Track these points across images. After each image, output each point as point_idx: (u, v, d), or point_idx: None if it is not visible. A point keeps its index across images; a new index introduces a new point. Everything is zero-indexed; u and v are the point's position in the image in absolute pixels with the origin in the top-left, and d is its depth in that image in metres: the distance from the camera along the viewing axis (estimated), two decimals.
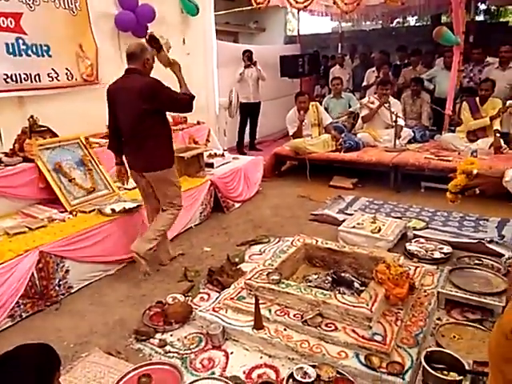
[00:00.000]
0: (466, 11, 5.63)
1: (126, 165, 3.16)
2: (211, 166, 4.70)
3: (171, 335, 2.41)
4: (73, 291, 2.90)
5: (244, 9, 7.58)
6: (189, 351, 2.27)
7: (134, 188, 3.92)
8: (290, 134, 5.55)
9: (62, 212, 3.28)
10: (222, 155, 5.00)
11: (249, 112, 6.84)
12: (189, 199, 3.94)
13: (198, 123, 5.28)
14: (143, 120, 2.82)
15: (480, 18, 9.98)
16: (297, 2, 6.18)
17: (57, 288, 2.79)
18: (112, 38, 4.42)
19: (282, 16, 10.41)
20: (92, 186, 3.62)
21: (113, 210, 3.28)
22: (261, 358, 2.20)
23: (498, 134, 4.71)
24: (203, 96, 5.55)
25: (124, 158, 3.14)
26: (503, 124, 4.86)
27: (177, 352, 2.27)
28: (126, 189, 3.90)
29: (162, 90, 2.85)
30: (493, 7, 10.17)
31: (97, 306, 2.76)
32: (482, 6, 9.78)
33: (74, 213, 3.29)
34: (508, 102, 4.85)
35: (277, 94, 8.04)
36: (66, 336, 2.45)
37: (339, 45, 9.17)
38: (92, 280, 3.03)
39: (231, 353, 2.24)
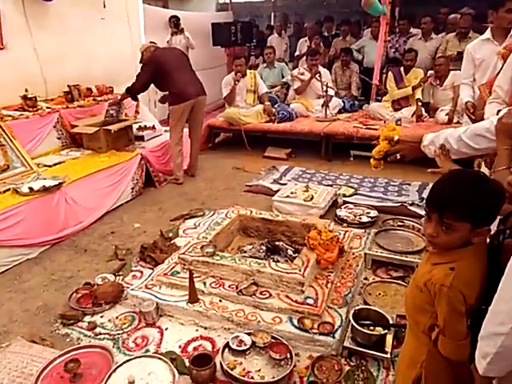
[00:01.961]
0: None
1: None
2: (141, 138, 4.50)
3: (101, 317, 2.31)
4: None
5: None
6: (121, 331, 2.19)
7: (55, 165, 3.67)
8: (224, 95, 5.44)
9: None
10: (153, 128, 4.78)
11: None
12: (117, 174, 3.76)
13: None
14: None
15: None
16: None
17: None
18: (15, 1, 3.95)
19: None
20: (6, 163, 3.30)
21: (31, 189, 3.01)
22: (196, 330, 2.19)
23: (419, 103, 4.96)
24: (130, 65, 5.21)
25: (175, 93, 4.12)
26: (424, 93, 5.12)
27: (108, 333, 2.18)
28: (45, 165, 3.61)
29: None
30: None
31: (17, 293, 2.56)
32: None
33: None
34: (429, 72, 5.10)
35: (209, 63, 7.79)
36: None
37: (272, 14, 9.05)
38: (10, 265, 2.80)
39: (166, 329, 2.20)
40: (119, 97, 4.39)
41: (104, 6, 4.88)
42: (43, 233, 3.00)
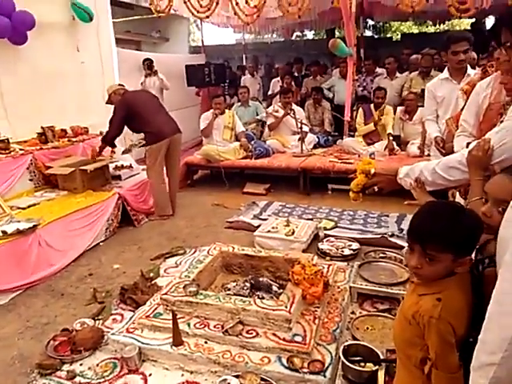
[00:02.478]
0: (356, 26, 6.11)
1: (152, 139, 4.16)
2: (119, 178, 4.45)
3: (81, 364, 2.18)
4: None
5: (144, 17, 7.39)
6: (102, 379, 2.07)
7: (29, 206, 3.57)
8: (201, 128, 5.53)
9: None
10: (130, 167, 4.75)
11: None
12: (94, 215, 3.69)
13: (101, 134, 4.94)
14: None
15: (369, 33, 10.99)
16: (198, 12, 6.16)
17: None
18: None
19: (186, 26, 10.37)
20: None
21: (4, 232, 2.90)
22: (182, 375, 2.09)
23: (391, 138, 5.16)
24: (104, 106, 5.23)
25: (152, 132, 4.16)
26: (395, 128, 5.34)
27: (88, 382, 2.06)
28: (19, 208, 3.50)
29: None
30: (379, 23, 11.26)
31: None
32: (370, 22, 10.78)
33: None
34: (398, 108, 5.34)
35: (183, 103, 7.91)
36: None
37: (243, 56, 9.38)
38: None
39: (149, 375, 2.10)
40: (98, 149, 4.41)
41: (78, 50, 4.95)
42: (16, 278, 2.88)
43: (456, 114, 2.63)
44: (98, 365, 2.17)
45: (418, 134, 5.05)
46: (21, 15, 4.06)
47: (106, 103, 4.33)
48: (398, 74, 6.13)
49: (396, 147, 5.18)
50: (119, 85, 4.47)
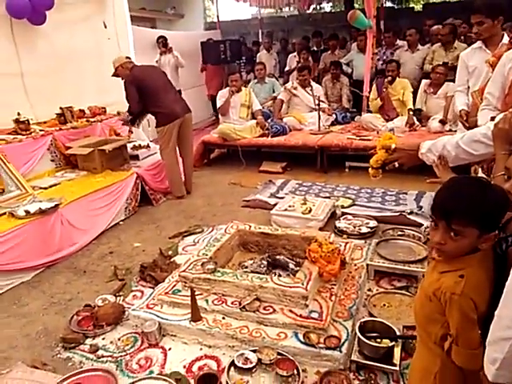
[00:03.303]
0: None
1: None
2: (136, 158, 4.50)
3: (103, 339, 2.26)
4: None
5: None
6: (124, 353, 2.15)
7: (51, 186, 3.65)
8: (218, 106, 5.49)
9: None
10: (148, 146, 4.79)
11: None
12: (113, 194, 3.75)
13: (119, 114, 4.98)
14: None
15: (389, 3, 10.58)
16: None
17: None
18: (4, 25, 3.97)
19: (201, 2, 10.18)
20: (0, 186, 3.27)
21: (27, 212, 2.98)
22: (200, 349, 2.14)
23: (411, 113, 5.02)
24: (121, 85, 5.24)
25: (163, 113, 4.09)
26: (417, 101, 5.19)
27: (110, 356, 2.14)
28: (41, 188, 3.58)
29: None
30: None
31: (16, 318, 2.51)
32: None
33: None
34: (423, 81, 5.16)
35: (199, 81, 7.89)
36: None
37: (259, 31, 9.19)
38: (5, 289, 2.76)
39: (169, 349, 2.16)
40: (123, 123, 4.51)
41: (105, 27, 4.94)
42: (39, 255, 2.96)
43: (482, 87, 2.54)
44: (119, 339, 2.24)
45: (440, 109, 4.91)
46: None
47: (112, 75, 4.20)
48: (419, 47, 5.89)
49: (416, 122, 5.04)
50: (126, 57, 4.24)
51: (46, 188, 3.61)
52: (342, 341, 2.02)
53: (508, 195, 1.17)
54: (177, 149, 4.36)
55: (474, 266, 1.15)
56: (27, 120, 3.92)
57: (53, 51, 4.42)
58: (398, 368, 1.85)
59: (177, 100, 4.26)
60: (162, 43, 6.58)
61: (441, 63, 5.20)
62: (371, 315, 2.25)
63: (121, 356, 2.12)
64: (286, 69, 7.43)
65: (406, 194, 4.07)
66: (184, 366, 2.03)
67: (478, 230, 1.11)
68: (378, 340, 1.95)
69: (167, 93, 4.15)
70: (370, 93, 5.54)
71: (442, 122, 4.80)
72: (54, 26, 4.34)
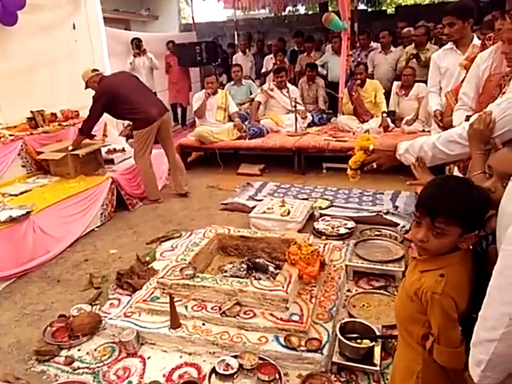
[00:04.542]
0: None
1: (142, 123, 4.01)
2: (112, 162, 4.40)
3: (79, 350, 2.19)
4: None
5: None
6: (101, 364, 2.09)
7: (22, 193, 3.53)
8: (194, 109, 5.44)
9: None
10: (123, 150, 4.70)
11: None
12: (87, 200, 3.66)
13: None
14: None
15: (362, 6, 10.76)
16: None
17: None
18: None
19: (175, 3, 10.09)
20: None
21: None
22: (180, 357, 2.11)
23: (384, 115, 5.11)
24: None
25: (139, 118, 4.01)
26: (390, 103, 5.28)
27: (87, 367, 2.08)
28: (11, 195, 3.46)
29: None
30: None
31: None
32: None
33: None
34: (395, 83, 5.26)
35: None
36: None
37: (235, 33, 9.18)
38: None
39: (148, 357, 2.11)
40: (71, 146, 3.98)
41: (74, 28, 4.82)
42: (11, 265, 2.86)
43: (456, 87, 2.59)
44: (96, 349, 2.18)
45: (413, 110, 5.01)
46: None
47: (85, 89, 4.07)
48: (392, 48, 6.01)
49: (391, 124, 5.13)
50: (93, 70, 4.08)
51: (16, 195, 3.48)
52: (323, 343, 2.02)
53: (489, 194, 1.20)
54: (153, 153, 4.30)
55: (455, 264, 1.17)
56: None
57: (24, 53, 4.28)
58: (378, 368, 1.87)
59: (152, 103, 4.16)
60: (136, 45, 6.51)
61: (410, 64, 5.28)
62: (351, 316, 2.27)
63: (98, 367, 2.07)
64: (263, 70, 7.44)
65: (382, 194, 4.13)
66: (164, 375, 2.00)
67: (461, 229, 1.13)
68: (359, 341, 1.97)
69: (142, 96, 4.07)
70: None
71: (408, 123, 4.90)
72: (25, 28, 4.20)
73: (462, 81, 2.34)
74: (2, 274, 2.81)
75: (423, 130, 4.73)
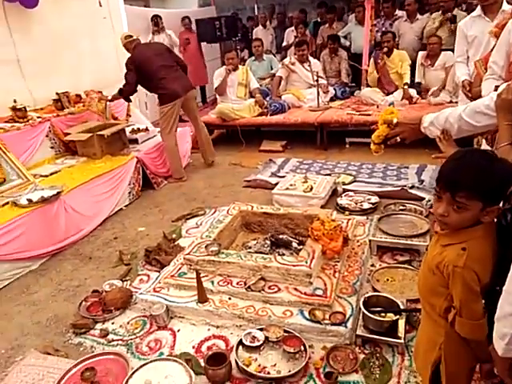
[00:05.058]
0: None
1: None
2: (136, 141, 4.47)
3: (113, 323, 2.30)
4: None
5: None
6: (133, 336, 2.19)
7: (52, 174, 3.65)
8: (215, 86, 5.41)
9: None
10: (146, 130, 4.76)
11: None
12: (115, 180, 3.75)
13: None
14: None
15: None
16: None
17: None
18: None
19: None
20: (1, 176, 3.27)
21: (29, 201, 2.99)
22: (208, 330, 2.19)
23: (405, 87, 4.94)
24: (117, 67, 5.16)
25: (164, 93, 4.16)
26: (417, 74, 5.11)
27: (121, 339, 2.18)
28: (42, 176, 3.58)
29: None
30: None
31: (25, 306, 2.55)
32: None
33: None
34: (420, 53, 5.07)
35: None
36: None
37: (255, 6, 8.98)
38: (13, 279, 2.79)
39: (178, 330, 2.20)
40: (109, 97, 4.41)
41: (100, 5, 4.84)
42: (45, 243, 2.99)
43: (485, 56, 2.49)
44: (128, 323, 2.29)
45: (440, 81, 4.84)
46: None
47: (124, 48, 4.26)
48: (418, 16, 5.76)
49: (416, 95, 4.98)
50: (127, 36, 4.22)
51: (46, 176, 3.60)
52: (347, 316, 2.05)
53: None
54: (178, 131, 4.38)
55: (477, 238, 1.16)
56: (24, 107, 3.89)
57: (48, 34, 4.33)
58: (402, 341, 1.89)
59: (177, 79, 4.22)
60: (155, 22, 6.46)
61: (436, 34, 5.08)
62: (375, 290, 2.28)
63: (131, 339, 2.17)
64: (284, 44, 7.29)
65: (407, 168, 4.06)
66: (193, 347, 2.08)
67: (482, 203, 1.12)
68: (383, 314, 1.99)
69: (168, 73, 4.16)
70: (369, 66, 5.46)
71: (434, 94, 4.75)
72: (47, 9, 4.25)
73: (492, 49, 2.24)
74: (38, 252, 2.94)
75: (451, 101, 4.58)
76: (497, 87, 1.82)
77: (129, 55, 4.16)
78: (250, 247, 2.70)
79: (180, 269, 2.51)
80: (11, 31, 3.99)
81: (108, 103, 4.51)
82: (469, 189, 1.10)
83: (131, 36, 4.25)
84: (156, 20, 6.50)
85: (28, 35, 4.15)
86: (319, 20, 7.41)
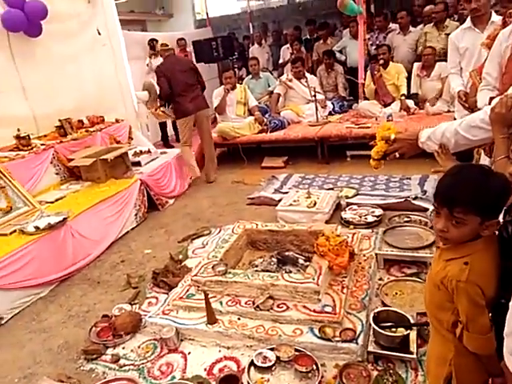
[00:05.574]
0: None
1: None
2: (138, 164, 4.51)
3: (123, 348, 2.31)
4: (4, 322, 2.67)
5: None
6: (145, 360, 2.19)
7: (57, 200, 3.68)
8: (214, 106, 5.49)
9: None
10: (149, 152, 4.81)
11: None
12: (120, 203, 3.78)
13: (117, 121, 5.00)
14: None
15: None
16: None
17: None
18: (1, 40, 3.97)
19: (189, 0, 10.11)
20: (8, 204, 3.30)
21: (36, 228, 3.02)
22: (219, 351, 2.19)
23: (402, 98, 5.02)
24: (118, 91, 5.26)
25: (178, 108, 4.66)
26: (412, 85, 5.18)
27: (132, 364, 2.18)
28: (47, 202, 3.62)
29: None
30: None
31: (36, 333, 2.56)
32: None
33: None
34: (415, 64, 5.15)
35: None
36: (7, 371, 2.26)
37: (250, 24, 9.14)
38: (24, 306, 2.80)
39: (189, 353, 2.20)
40: (158, 103, 4.98)
41: (99, 34, 4.98)
42: (54, 270, 3.01)
43: (480, 66, 2.54)
44: (139, 347, 2.29)
45: (436, 91, 4.90)
46: (32, 4, 4.00)
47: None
48: (411, 29, 5.85)
49: (413, 106, 5.03)
50: (162, 44, 4.85)
51: (52, 202, 3.64)
52: (358, 332, 2.05)
53: (510, 179, 1.19)
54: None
55: (479, 251, 1.17)
56: (28, 135, 3.94)
57: (51, 62, 4.42)
58: (415, 356, 1.89)
59: (193, 98, 4.64)
60: (150, 46, 6.58)
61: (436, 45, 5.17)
62: (384, 304, 2.28)
63: (142, 363, 2.17)
64: (280, 61, 7.40)
65: (409, 179, 4.08)
66: (205, 369, 2.08)
67: (480, 218, 1.13)
68: (393, 329, 1.98)
69: (186, 90, 4.59)
70: (364, 79, 5.53)
71: (431, 102, 4.81)
72: (50, 37, 4.34)
73: (485, 60, 2.29)
74: (47, 279, 2.96)
75: (448, 111, 4.63)
76: (491, 99, 1.85)
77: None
78: (256, 265, 2.71)
79: (188, 290, 2.51)
80: (15, 60, 4.08)
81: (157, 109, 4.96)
82: (465, 204, 1.12)
83: (167, 45, 4.80)
84: (152, 44, 6.61)
85: (32, 63, 4.24)
86: (309, 37, 7.54)
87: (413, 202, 3.52)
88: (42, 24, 4.17)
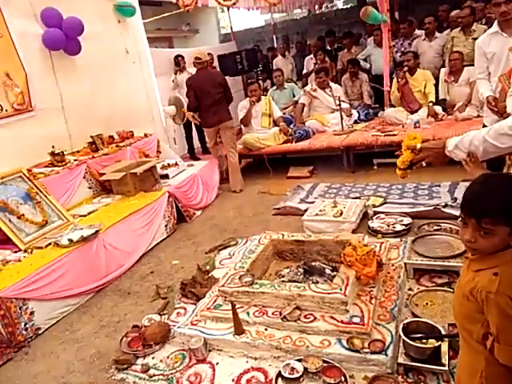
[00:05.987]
0: None
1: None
2: (166, 177, 4.62)
3: (153, 358, 2.35)
4: (41, 332, 2.77)
5: (172, 12, 7.45)
6: (174, 370, 2.22)
7: (89, 213, 3.81)
8: (240, 118, 5.58)
9: (16, 252, 3.10)
10: (176, 164, 4.92)
11: None
12: (149, 215, 3.87)
13: (146, 136, 5.15)
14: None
15: None
16: (224, 0, 6.14)
17: (24, 332, 2.65)
18: (43, 59, 4.19)
19: (214, 15, 10.35)
20: (44, 218, 3.45)
21: (70, 241, 3.14)
22: (247, 362, 2.19)
23: (430, 104, 4.93)
24: (146, 107, 5.42)
25: (203, 118, 5.01)
26: (440, 91, 5.09)
27: (162, 374, 2.22)
28: (80, 216, 3.75)
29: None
30: None
31: (70, 343, 2.64)
32: None
33: (30, 250, 3.12)
34: (443, 70, 5.07)
35: None
36: (42, 381, 2.34)
37: (274, 36, 9.24)
38: (60, 317, 2.90)
39: (217, 363, 2.22)
40: (185, 112, 5.18)
41: (127, 52, 5.18)
42: (88, 281, 3.10)
43: (509, 70, 2.49)
44: (168, 357, 2.32)
45: (464, 96, 4.79)
46: (69, 21, 4.18)
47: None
48: (437, 34, 5.75)
49: (441, 112, 4.94)
50: (196, 57, 4.96)
51: (85, 215, 3.77)
52: (387, 344, 2.01)
53: None
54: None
55: (509, 262, 1.14)
56: (62, 152, 4.12)
57: (88, 80, 4.60)
58: (446, 368, 1.84)
59: (216, 112, 4.91)
60: (175, 62, 6.75)
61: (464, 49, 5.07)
62: (414, 315, 2.23)
63: (171, 374, 2.20)
64: (304, 71, 7.44)
65: (439, 186, 3.99)
66: (233, 380, 2.09)
67: (510, 228, 1.10)
68: (424, 340, 1.94)
69: (212, 104, 4.86)
70: (390, 87, 5.48)
71: (459, 109, 4.71)
72: (86, 56, 4.52)
73: None
74: (82, 290, 3.06)
75: (478, 116, 4.51)
76: None
77: None
78: (283, 276, 2.71)
79: (215, 301, 2.54)
80: (57, 79, 4.28)
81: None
82: (494, 215, 1.10)
83: (200, 58, 4.95)
84: (177, 60, 6.77)
85: (71, 82, 4.43)
86: (329, 48, 7.56)
87: (443, 209, 3.44)
88: (81, 42, 4.36)
